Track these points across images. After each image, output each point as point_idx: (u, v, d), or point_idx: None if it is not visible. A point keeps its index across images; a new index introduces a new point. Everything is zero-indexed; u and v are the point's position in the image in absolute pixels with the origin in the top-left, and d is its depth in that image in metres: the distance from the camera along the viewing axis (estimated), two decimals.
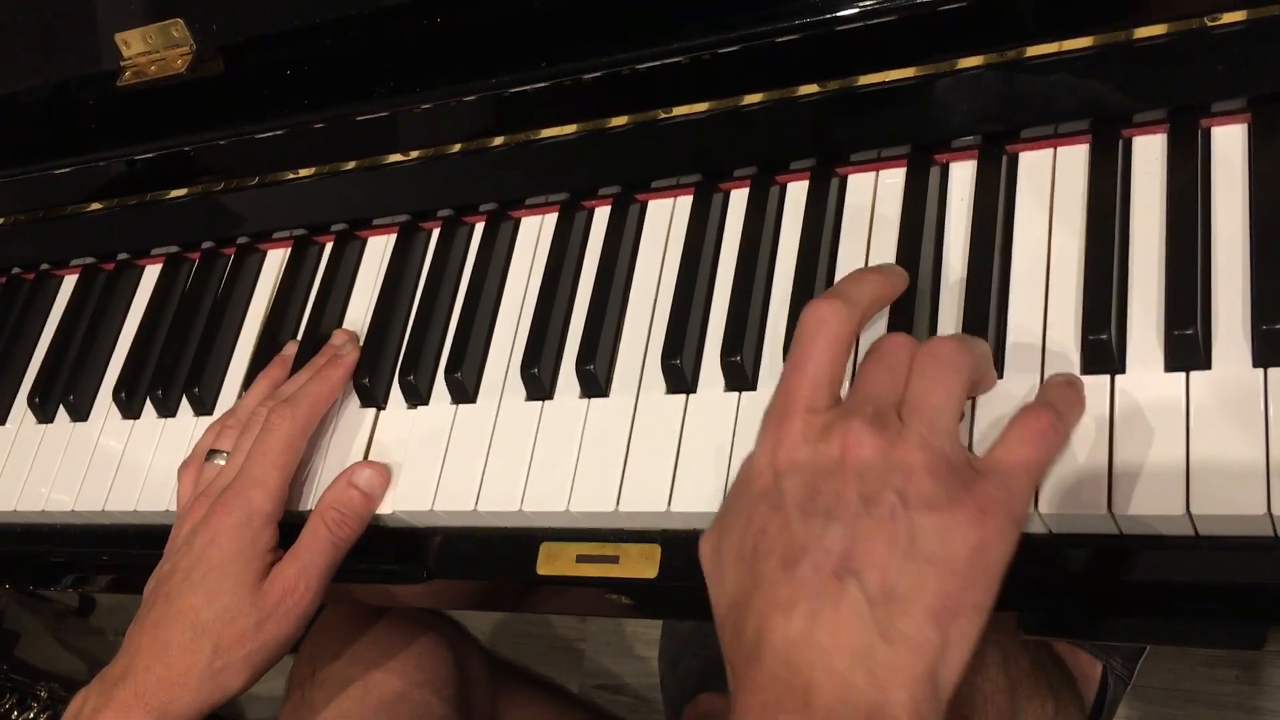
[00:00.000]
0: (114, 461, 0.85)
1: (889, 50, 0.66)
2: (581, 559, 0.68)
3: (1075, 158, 0.65)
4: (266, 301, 0.88)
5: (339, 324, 0.83)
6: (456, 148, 0.79)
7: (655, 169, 0.76)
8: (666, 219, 0.75)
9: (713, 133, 0.72)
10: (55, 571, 0.92)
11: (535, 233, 0.79)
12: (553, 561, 0.69)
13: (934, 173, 0.68)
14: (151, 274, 0.94)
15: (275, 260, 0.89)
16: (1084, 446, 0.56)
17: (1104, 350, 0.58)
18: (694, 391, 0.68)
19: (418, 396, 0.76)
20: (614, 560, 0.67)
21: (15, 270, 1.00)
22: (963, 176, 0.68)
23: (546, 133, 0.76)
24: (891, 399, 0.54)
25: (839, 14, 0.65)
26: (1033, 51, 0.63)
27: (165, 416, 0.85)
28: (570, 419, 0.70)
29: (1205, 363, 0.56)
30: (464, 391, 0.74)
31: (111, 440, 0.86)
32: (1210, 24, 0.59)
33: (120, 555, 0.85)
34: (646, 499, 0.66)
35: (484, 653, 1.04)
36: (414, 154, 0.81)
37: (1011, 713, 0.80)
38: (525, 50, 0.74)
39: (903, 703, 0.47)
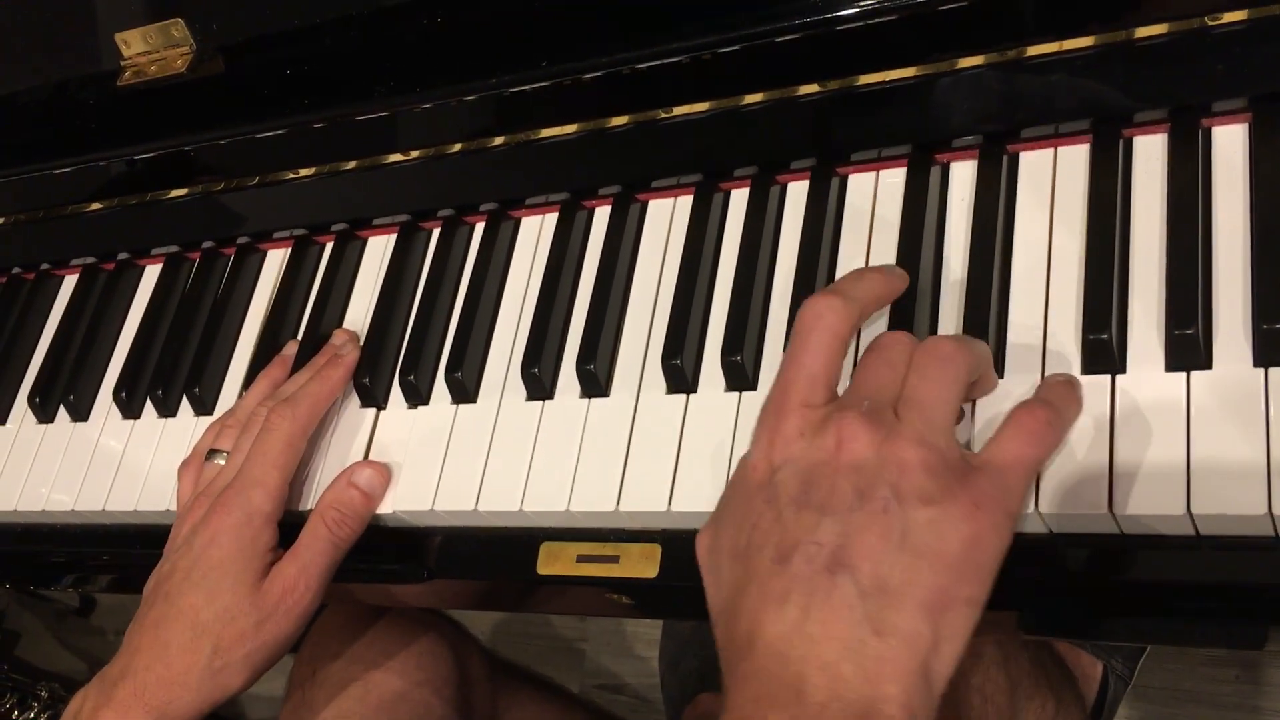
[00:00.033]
0: (114, 461, 0.85)
1: (889, 50, 0.66)
2: (582, 559, 0.68)
3: (1076, 157, 0.65)
4: (267, 301, 0.88)
5: (339, 324, 0.83)
6: (457, 147, 0.79)
7: (656, 169, 0.76)
8: (667, 219, 0.75)
9: (713, 132, 0.72)
10: (55, 571, 0.92)
11: (536, 232, 0.79)
12: (553, 561, 0.69)
13: (934, 172, 0.68)
14: (152, 274, 0.94)
15: (275, 260, 0.89)
16: (1085, 446, 0.56)
17: (1104, 350, 0.58)
18: (694, 391, 0.68)
19: (418, 396, 0.76)
20: (614, 560, 0.67)
21: (15, 270, 1.00)
22: (963, 176, 0.68)
23: (547, 132, 0.76)
24: (889, 395, 0.54)
25: (839, 14, 0.65)
26: (1033, 51, 0.63)
27: (165, 416, 0.85)
28: (571, 419, 0.70)
29: (1206, 362, 0.56)
30: (464, 391, 0.74)
31: (112, 440, 0.86)
32: (1211, 23, 0.59)
33: (120, 555, 0.85)
34: (647, 499, 0.66)
35: (484, 652, 1.04)
36: (414, 154, 0.81)
37: (1012, 712, 0.80)
38: (525, 50, 0.74)
39: (894, 696, 0.47)
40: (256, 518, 0.70)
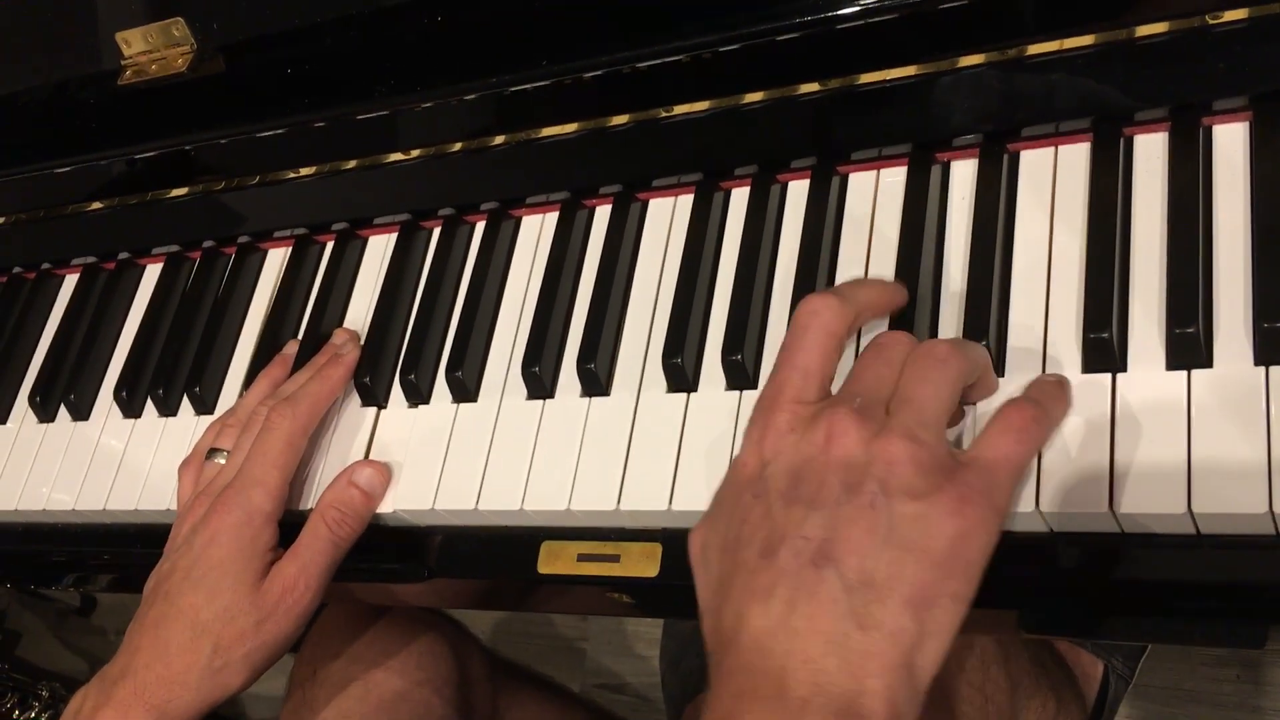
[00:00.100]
0: (115, 460, 0.85)
1: (890, 49, 0.66)
2: (582, 558, 0.68)
3: (1076, 156, 0.65)
4: (267, 301, 0.88)
5: (340, 323, 0.83)
6: (457, 147, 0.79)
7: (656, 168, 0.76)
8: (667, 217, 0.75)
9: (714, 131, 0.72)
10: (56, 570, 0.92)
11: (536, 231, 0.79)
12: (554, 560, 0.69)
13: (935, 171, 0.68)
14: (152, 273, 0.94)
15: (276, 259, 0.89)
16: (1085, 445, 0.56)
17: (1105, 349, 0.58)
18: (695, 390, 0.68)
19: (419, 395, 0.76)
20: (615, 559, 0.67)
21: (16, 269, 1.00)
22: (964, 175, 0.68)
23: (547, 131, 0.76)
24: (883, 393, 0.54)
25: (839, 12, 0.65)
26: (1034, 50, 0.63)
27: (166, 415, 0.85)
28: (571, 418, 0.70)
29: (1207, 361, 0.56)
30: (465, 390, 0.74)
31: (112, 439, 0.86)
32: (1212, 22, 0.59)
33: (121, 554, 0.85)
34: (648, 498, 0.66)
35: (485, 652, 1.04)
36: (415, 153, 0.81)
37: (1013, 711, 0.80)
38: (526, 49, 0.74)
39: (877, 691, 0.47)
40: (257, 517, 0.70)
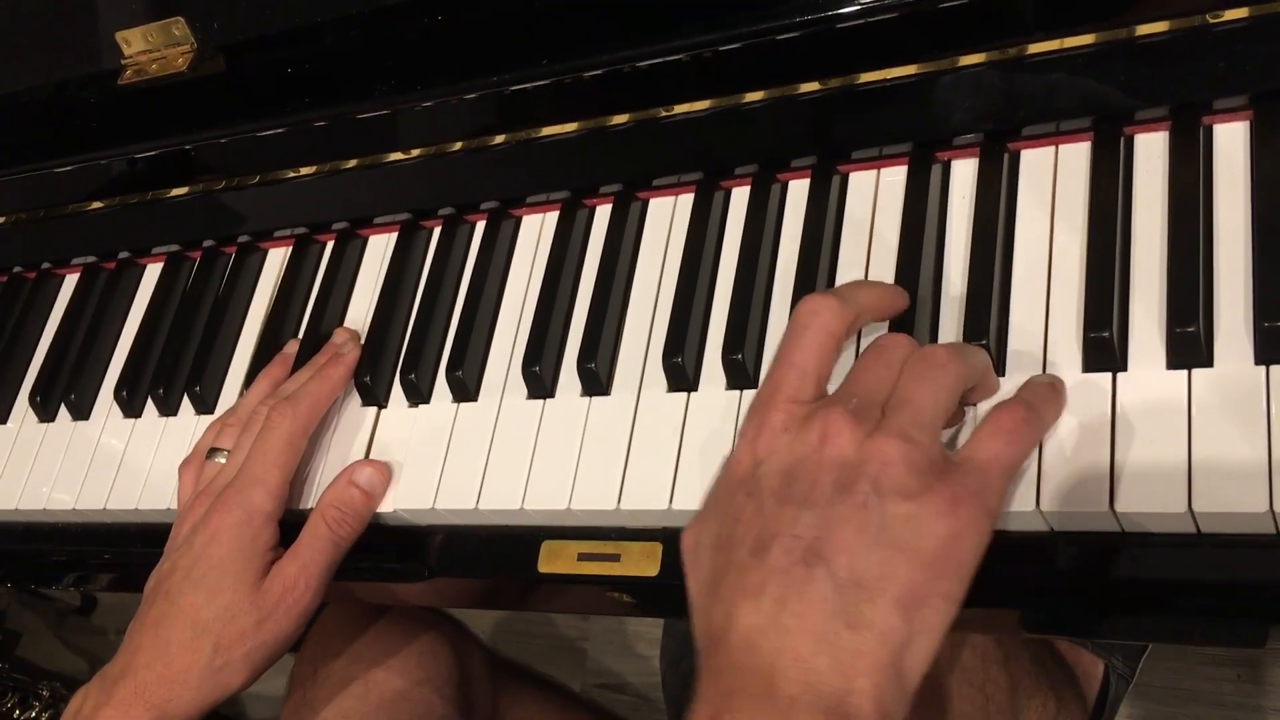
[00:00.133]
0: (115, 460, 0.85)
1: (890, 48, 0.66)
2: (583, 557, 0.68)
3: (1077, 155, 0.65)
4: (268, 300, 0.88)
5: (340, 322, 0.83)
6: (458, 146, 0.79)
7: (656, 167, 0.75)
8: (668, 217, 0.75)
9: (714, 130, 0.72)
10: (57, 570, 0.92)
11: (536, 231, 0.79)
12: (554, 560, 0.69)
13: (935, 170, 0.68)
14: (153, 273, 0.94)
15: (276, 259, 0.89)
16: (1085, 444, 0.56)
17: (1105, 348, 0.58)
18: (695, 390, 0.68)
19: (419, 395, 0.76)
20: (615, 559, 0.67)
21: (17, 269, 1.00)
22: (964, 174, 0.68)
23: (548, 131, 0.76)
24: (880, 395, 0.54)
25: (840, 11, 0.65)
26: (1034, 49, 0.63)
27: (166, 415, 0.85)
28: (571, 417, 0.70)
29: (1207, 360, 0.56)
30: (465, 390, 0.74)
31: (113, 439, 0.86)
32: (1212, 21, 0.59)
33: (121, 554, 0.85)
34: (648, 497, 0.66)
35: (485, 651, 1.04)
36: (415, 152, 0.81)
37: (1013, 711, 0.80)
38: (526, 48, 0.74)
39: (866, 690, 0.47)
40: (257, 516, 0.70)
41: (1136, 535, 0.56)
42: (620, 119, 0.74)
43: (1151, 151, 0.63)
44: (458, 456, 0.72)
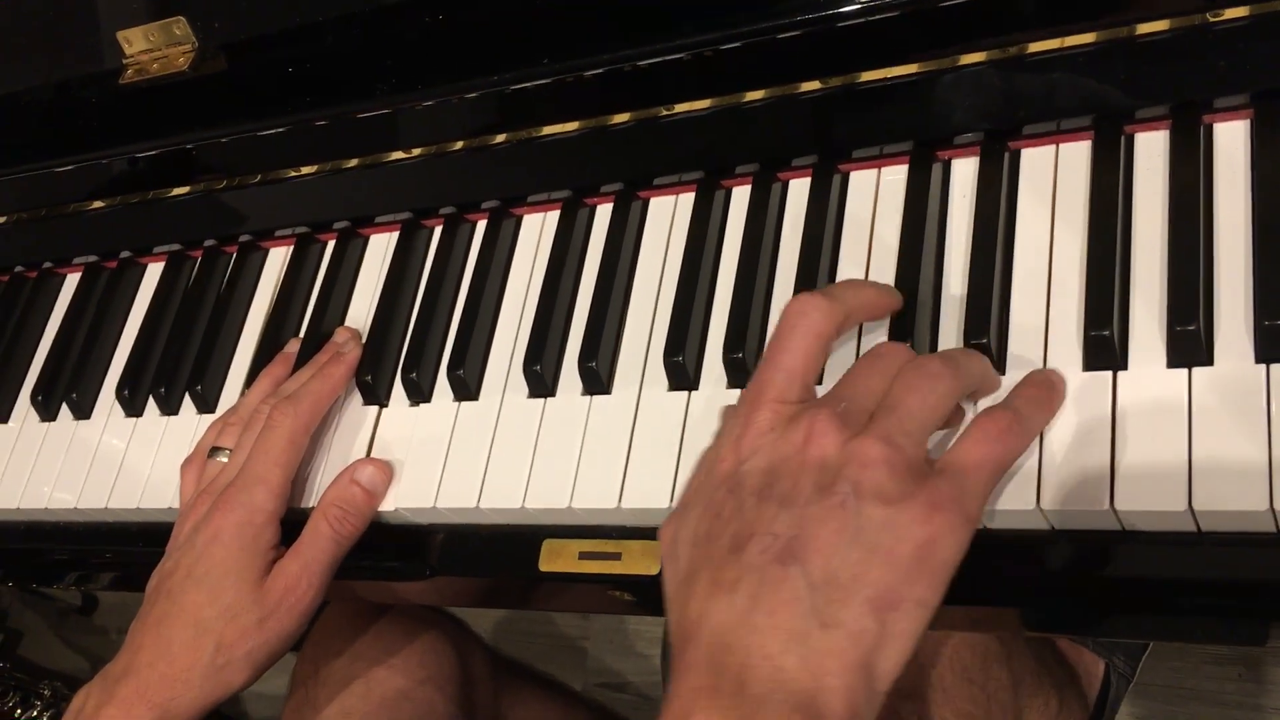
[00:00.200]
0: (117, 459, 0.85)
1: (891, 47, 0.66)
2: (584, 556, 0.68)
3: (1077, 154, 0.65)
4: (269, 299, 0.88)
5: (341, 321, 0.83)
6: (459, 145, 0.79)
7: (657, 166, 0.76)
8: (669, 216, 0.75)
9: (715, 129, 0.72)
10: (58, 569, 0.92)
11: (537, 230, 0.79)
12: (555, 558, 0.69)
13: (936, 169, 0.68)
14: (154, 272, 0.94)
15: (278, 258, 0.89)
16: (1086, 443, 0.56)
17: (1106, 346, 0.58)
18: (696, 388, 0.68)
19: (420, 394, 0.76)
20: (616, 557, 0.67)
21: (18, 268, 1.01)
22: (965, 173, 0.68)
23: (548, 130, 0.76)
24: (869, 402, 0.54)
25: (841, 10, 0.65)
26: (1035, 48, 0.63)
27: (168, 414, 0.85)
28: (572, 416, 0.70)
29: (1207, 359, 0.56)
30: (466, 389, 0.74)
31: (114, 438, 0.86)
32: (1213, 19, 0.59)
33: (123, 553, 0.85)
34: (649, 496, 0.66)
35: (487, 650, 1.04)
36: (416, 151, 0.81)
37: (1015, 710, 0.80)
38: (527, 47, 0.74)
39: (836, 689, 0.47)
40: (259, 515, 0.70)
41: (1137, 533, 0.56)
42: (621, 118, 0.74)
43: (1152, 150, 0.63)
44: (459, 455, 0.72)
